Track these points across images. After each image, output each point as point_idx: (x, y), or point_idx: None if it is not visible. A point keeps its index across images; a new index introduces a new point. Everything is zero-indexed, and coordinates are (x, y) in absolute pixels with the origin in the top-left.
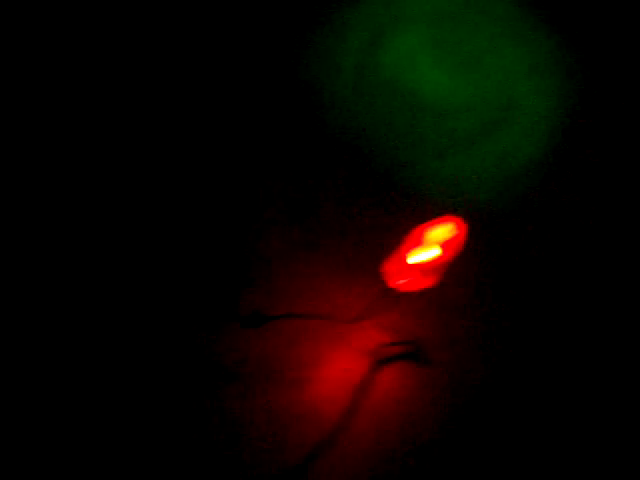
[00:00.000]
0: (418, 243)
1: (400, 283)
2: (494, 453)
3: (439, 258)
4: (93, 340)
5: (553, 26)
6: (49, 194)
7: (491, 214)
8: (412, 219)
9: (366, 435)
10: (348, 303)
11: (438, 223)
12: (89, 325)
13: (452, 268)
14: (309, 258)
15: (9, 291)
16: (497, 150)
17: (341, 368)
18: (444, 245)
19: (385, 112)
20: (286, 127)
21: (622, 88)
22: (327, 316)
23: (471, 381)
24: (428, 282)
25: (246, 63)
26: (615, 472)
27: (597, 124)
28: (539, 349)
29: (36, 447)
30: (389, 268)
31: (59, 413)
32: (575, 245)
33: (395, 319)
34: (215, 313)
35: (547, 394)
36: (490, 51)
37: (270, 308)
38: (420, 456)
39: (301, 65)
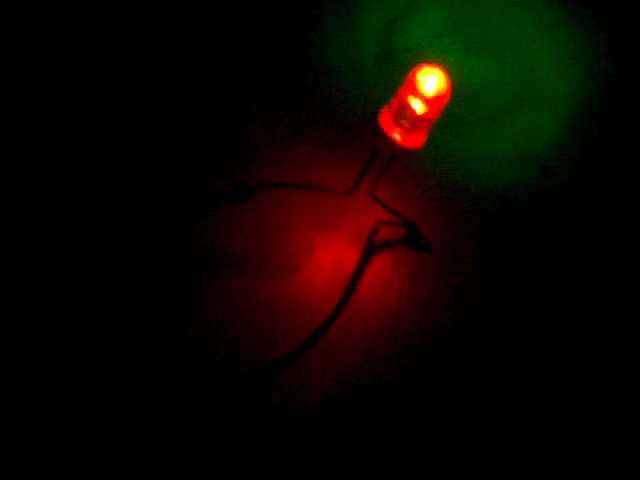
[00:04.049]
0: (412, 91)
1: (396, 136)
2: (492, 351)
3: (427, 112)
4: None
5: (576, 6)
6: None
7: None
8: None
9: (357, 329)
10: (342, 173)
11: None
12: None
13: None
14: (296, 128)
15: None
16: (518, 131)
17: (334, 254)
18: (431, 100)
19: None
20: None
21: None
22: (319, 187)
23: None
24: (418, 138)
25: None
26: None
27: (618, 108)
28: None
29: None
30: (385, 117)
31: None
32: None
33: (394, 197)
34: (196, 190)
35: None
36: (511, 32)
37: (255, 181)
38: (412, 353)
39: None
